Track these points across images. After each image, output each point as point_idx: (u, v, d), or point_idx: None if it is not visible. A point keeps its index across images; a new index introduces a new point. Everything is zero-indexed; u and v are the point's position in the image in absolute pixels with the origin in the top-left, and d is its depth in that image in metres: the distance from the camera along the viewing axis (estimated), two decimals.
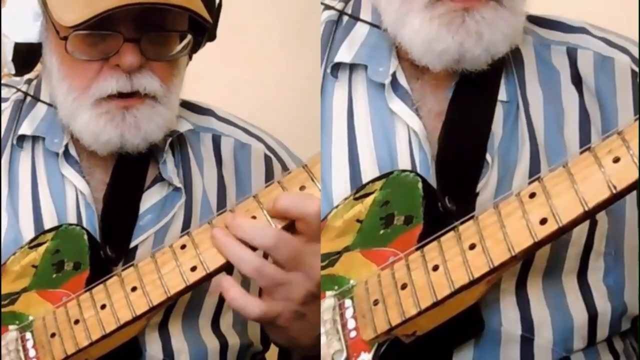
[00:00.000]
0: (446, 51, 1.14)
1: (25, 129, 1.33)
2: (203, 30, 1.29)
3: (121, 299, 1.19)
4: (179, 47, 1.29)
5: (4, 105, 1.36)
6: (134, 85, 1.24)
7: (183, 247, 1.18)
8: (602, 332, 1.18)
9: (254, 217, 1.17)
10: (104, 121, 1.24)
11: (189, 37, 1.28)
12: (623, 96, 1.20)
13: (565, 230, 1.02)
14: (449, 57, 1.15)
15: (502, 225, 1.04)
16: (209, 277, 1.18)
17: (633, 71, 1.21)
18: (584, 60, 1.22)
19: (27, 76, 1.39)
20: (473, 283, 1.06)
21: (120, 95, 1.24)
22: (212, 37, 1.33)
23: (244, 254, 1.14)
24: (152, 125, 1.26)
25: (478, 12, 1.13)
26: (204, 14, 1.25)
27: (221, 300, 1.31)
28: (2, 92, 1.38)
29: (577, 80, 1.21)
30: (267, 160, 1.38)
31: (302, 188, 1.17)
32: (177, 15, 1.25)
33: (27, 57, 1.30)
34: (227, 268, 1.17)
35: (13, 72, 1.30)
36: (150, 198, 1.31)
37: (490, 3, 1.14)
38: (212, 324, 1.32)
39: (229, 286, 1.15)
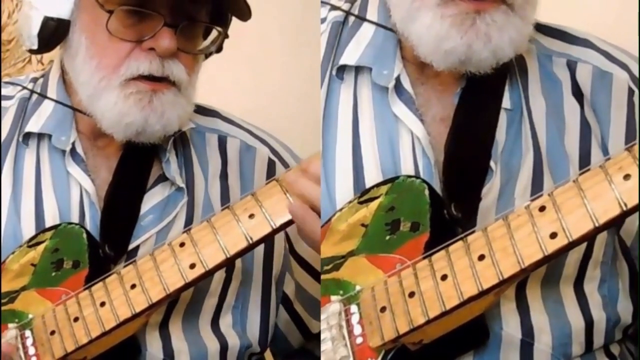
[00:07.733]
0: (453, 51, 1.15)
1: (32, 126, 1.32)
2: (226, 28, 1.30)
3: (120, 297, 1.20)
4: (207, 42, 1.30)
5: (9, 102, 1.35)
6: (165, 70, 1.24)
7: (182, 244, 1.19)
8: (599, 340, 1.19)
9: (252, 216, 1.18)
10: (132, 101, 1.24)
11: (216, 32, 1.29)
12: (618, 112, 1.20)
13: (574, 245, 1.03)
14: (455, 57, 1.15)
15: (512, 237, 1.05)
16: (207, 274, 1.19)
17: (630, 89, 1.21)
18: (582, 73, 1.22)
19: (32, 75, 1.38)
20: (482, 294, 1.06)
21: (149, 79, 1.24)
22: (219, 49, 1.33)
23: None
24: (174, 114, 1.26)
25: (489, 15, 1.14)
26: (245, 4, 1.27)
27: (221, 301, 1.32)
28: (8, 90, 1.37)
29: (577, 92, 1.22)
30: (271, 164, 1.38)
31: None
32: (206, 11, 1.27)
33: (54, 33, 1.27)
34: (227, 266, 1.18)
35: (35, 47, 1.28)
36: (153, 198, 1.31)
37: (501, 7, 1.14)
38: (212, 325, 1.32)
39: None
